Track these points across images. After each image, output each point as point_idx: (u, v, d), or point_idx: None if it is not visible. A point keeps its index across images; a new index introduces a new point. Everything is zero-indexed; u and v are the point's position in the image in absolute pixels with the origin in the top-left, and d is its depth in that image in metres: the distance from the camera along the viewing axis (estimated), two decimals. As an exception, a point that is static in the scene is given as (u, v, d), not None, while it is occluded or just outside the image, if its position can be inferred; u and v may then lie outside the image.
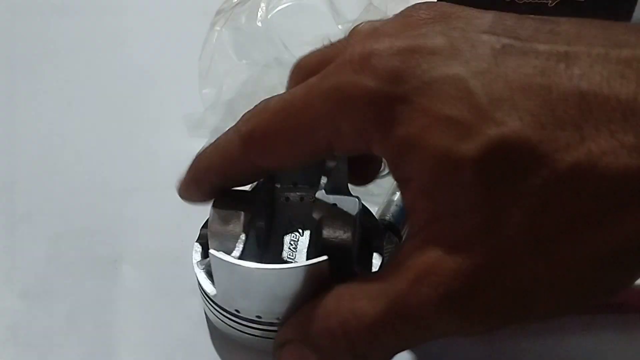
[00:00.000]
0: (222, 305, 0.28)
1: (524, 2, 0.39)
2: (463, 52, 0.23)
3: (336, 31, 0.40)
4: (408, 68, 0.24)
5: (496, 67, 0.23)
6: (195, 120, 0.43)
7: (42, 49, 0.55)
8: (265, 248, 0.31)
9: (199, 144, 0.42)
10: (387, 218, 0.33)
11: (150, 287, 0.33)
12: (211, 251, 0.26)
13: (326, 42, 0.30)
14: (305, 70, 0.29)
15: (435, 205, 0.23)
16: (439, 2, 0.26)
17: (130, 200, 0.39)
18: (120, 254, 0.35)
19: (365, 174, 0.31)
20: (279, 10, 0.41)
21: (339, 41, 0.28)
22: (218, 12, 0.42)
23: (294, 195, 0.33)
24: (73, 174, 0.41)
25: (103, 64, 0.53)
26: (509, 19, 0.24)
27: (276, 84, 0.41)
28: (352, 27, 0.27)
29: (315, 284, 0.26)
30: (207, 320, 0.31)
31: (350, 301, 0.25)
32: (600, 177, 0.21)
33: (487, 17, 0.24)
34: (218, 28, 0.41)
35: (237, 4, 0.41)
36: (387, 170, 0.32)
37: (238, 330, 0.28)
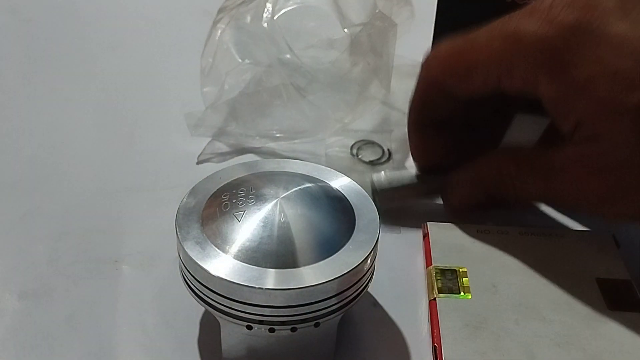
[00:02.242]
0: None
1: (524, 2, 0.40)
2: (632, 14, 0.28)
3: (342, 34, 0.40)
4: (584, 22, 0.28)
5: None
6: (196, 119, 0.43)
7: (42, 48, 0.54)
8: None
9: (199, 143, 0.42)
10: None
11: (150, 288, 0.33)
12: None
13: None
14: None
15: (596, 146, 0.29)
16: None
17: (130, 200, 0.39)
18: (120, 254, 0.35)
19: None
20: (284, 12, 0.41)
21: None
22: (220, 10, 0.42)
23: None
24: (73, 174, 0.41)
25: (103, 62, 0.53)
26: None
27: (279, 85, 0.40)
28: None
29: None
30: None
31: (517, 171, 0.33)
32: None
33: None
34: (222, 26, 0.41)
35: (241, 3, 0.41)
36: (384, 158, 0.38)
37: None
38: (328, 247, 0.27)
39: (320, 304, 0.27)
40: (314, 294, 0.26)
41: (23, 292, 0.33)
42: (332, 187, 0.30)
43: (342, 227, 0.28)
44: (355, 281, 0.27)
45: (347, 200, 0.30)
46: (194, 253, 0.27)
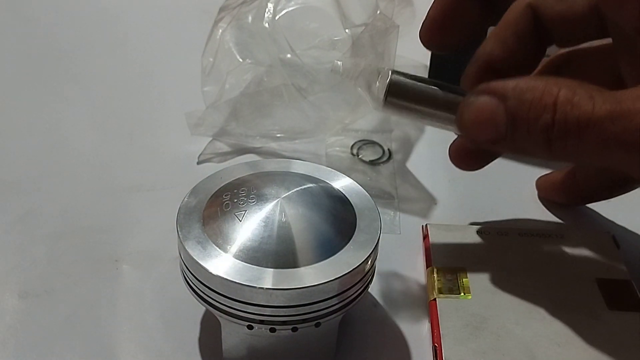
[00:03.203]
0: None
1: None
2: None
3: (343, 35, 0.40)
4: None
5: None
6: (196, 119, 0.43)
7: (42, 48, 0.54)
8: None
9: (200, 143, 0.42)
10: None
11: (151, 287, 0.33)
12: None
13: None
14: None
15: None
16: None
17: (131, 199, 0.39)
18: (121, 253, 0.35)
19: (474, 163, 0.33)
20: (286, 12, 0.41)
21: None
22: (222, 10, 0.42)
23: None
24: (73, 174, 0.41)
25: (103, 62, 0.53)
26: None
27: (280, 85, 0.40)
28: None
29: None
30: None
31: (570, 91, 0.24)
32: None
33: None
34: (223, 25, 0.41)
35: (242, 3, 0.41)
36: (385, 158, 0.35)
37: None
38: (329, 247, 0.27)
39: (321, 304, 0.27)
40: (314, 294, 0.26)
41: (23, 291, 0.33)
42: (333, 188, 0.30)
43: (343, 228, 0.28)
44: (356, 281, 0.27)
45: (348, 200, 0.30)
46: (195, 252, 0.27)
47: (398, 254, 0.35)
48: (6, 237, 0.36)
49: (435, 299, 0.31)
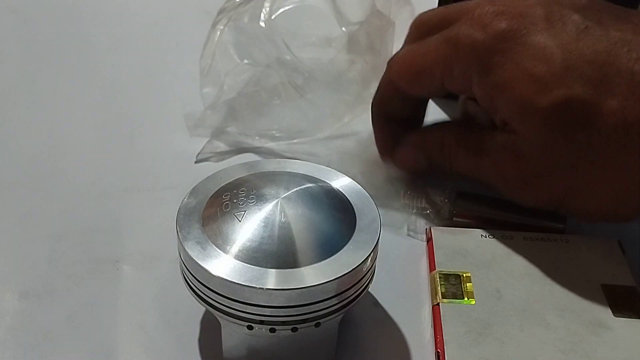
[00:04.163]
0: None
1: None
2: (555, 25, 0.31)
3: (339, 33, 0.40)
4: (513, 29, 0.32)
5: (576, 43, 0.31)
6: (195, 120, 0.43)
7: (42, 48, 0.54)
8: None
9: (199, 143, 0.42)
10: None
11: (151, 288, 0.33)
12: None
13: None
14: (427, 25, 0.37)
15: (515, 138, 0.33)
16: None
17: (131, 200, 0.39)
18: (121, 254, 0.35)
19: None
20: (282, 11, 0.41)
21: (459, 4, 0.35)
22: (220, 11, 0.42)
23: None
24: (73, 174, 0.41)
25: (103, 62, 0.53)
26: (599, 4, 0.32)
27: (277, 84, 0.40)
28: None
29: None
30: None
31: (455, 149, 0.36)
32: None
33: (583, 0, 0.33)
34: (221, 27, 0.41)
35: (239, 4, 0.41)
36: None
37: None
38: (329, 247, 0.27)
39: (320, 304, 0.27)
40: (314, 294, 0.26)
41: (24, 292, 0.33)
42: (332, 187, 0.30)
43: (343, 227, 0.28)
44: (355, 281, 0.27)
45: (348, 200, 0.30)
46: (194, 253, 0.27)
47: (400, 255, 0.36)
48: (6, 238, 0.36)
49: (438, 304, 0.31)
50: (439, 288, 0.32)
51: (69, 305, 0.32)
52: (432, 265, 0.34)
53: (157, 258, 0.35)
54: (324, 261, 0.27)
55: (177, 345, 0.31)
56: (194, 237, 0.28)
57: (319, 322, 0.27)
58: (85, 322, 0.32)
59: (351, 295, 0.28)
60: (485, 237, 0.35)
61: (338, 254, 0.27)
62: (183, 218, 0.29)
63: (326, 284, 0.26)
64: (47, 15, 0.59)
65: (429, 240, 0.35)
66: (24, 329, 0.31)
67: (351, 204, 0.30)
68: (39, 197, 0.39)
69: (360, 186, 0.31)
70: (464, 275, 0.33)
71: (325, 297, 0.27)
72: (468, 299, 0.31)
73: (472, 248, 0.34)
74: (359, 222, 0.29)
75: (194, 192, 0.30)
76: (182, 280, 0.29)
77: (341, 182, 0.31)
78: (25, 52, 0.54)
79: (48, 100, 0.48)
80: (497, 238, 0.35)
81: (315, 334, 0.28)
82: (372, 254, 0.28)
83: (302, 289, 0.26)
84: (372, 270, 0.29)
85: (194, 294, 0.28)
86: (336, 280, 0.26)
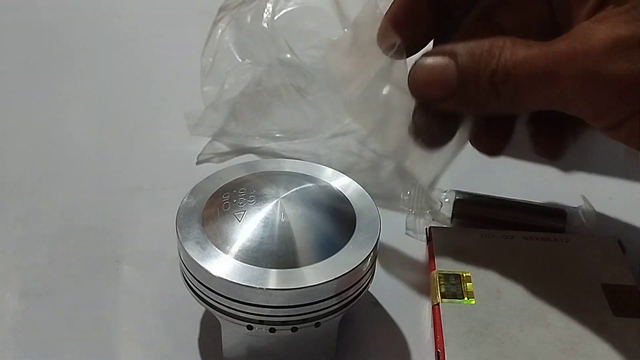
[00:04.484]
0: None
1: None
2: None
3: (342, 34, 0.40)
4: None
5: None
6: (196, 119, 0.43)
7: (43, 48, 0.54)
8: None
9: (199, 143, 0.42)
10: None
11: (151, 288, 0.33)
12: None
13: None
14: None
15: None
16: None
17: (131, 200, 0.39)
18: (121, 254, 0.35)
19: (554, 148, 0.33)
20: (285, 12, 0.41)
21: None
22: (221, 10, 0.42)
23: None
24: (73, 174, 0.41)
25: (103, 62, 0.53)
26: None
27: (279, 85, 0.40)
28: None
29: None
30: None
31: (512, 43, 0.27)
32: None
33: None
34: (222, 26, 0.41)
35: (242, 3, 0.41)
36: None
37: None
38: (328, 247, 0.27)
39: (320, 304, 0.27)
40: (314, 293, 0.26)
41: (24, 292, 0.33)
42: (332, 187, 0.30)
43: (343, 227, 0.28)
44: (355, 281, 0.27)
45: (348, 200, 0.30)
46: (194, 253, 0.27)
47: (401, 255, 0.36)
48: (7, 238, 0.36)
49: (438, 304, 0.31)
50: (439, 288, 0.32)
51: (69, 305, 0.32)
52: (432, 265, 0.34)
53: (157, 258, 0.35)
54: (324, 261, 0.27)
55: (177, 345, 0.31)
56: (193, 237, 0.28)
57: (319, 322, 0.27)
58: (85, 322, 0.32)
59: (351, 295, 0.28)
60: (486, 237, 0.35)
61: (338, 253, 0.27)
62: (183, 218, 0.29)
63: (326, 284, 0.26)
64: (47, 15, 0.59)
65: (429, 240, 0.35)
66: (24, 329, 0.31)
67: (351, 204, 0.30)
68: (39, 197, 0.39)
69: (360, 186, 0.31)
70: (464, 275, 0.33)
71: (325, 297, 0.27)
72: (468, 299, 0.31)
73: (472, 248, 0.34)
74: (359, 222, 0.29)
75: (194, 192, 0.30)
76: (182, 280, 0.29)
77: (341, 182, 0.31)
78: (25, 52, 0.54)
79: (48, 100, 0.48)
80: (497, 238, 0.35)
81: (315, 334, 0.28)
82: (372, 254, 0.28)
83: (302, 289, 0.26)
84: (372, 270, 0.29)
85: (194, 294, 0.28)
86: (336, 280, 0.26)
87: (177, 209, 0.29)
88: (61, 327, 0.31)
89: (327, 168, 0.32)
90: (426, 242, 0.36)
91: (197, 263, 0.26)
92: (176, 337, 0.31)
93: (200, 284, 0.27)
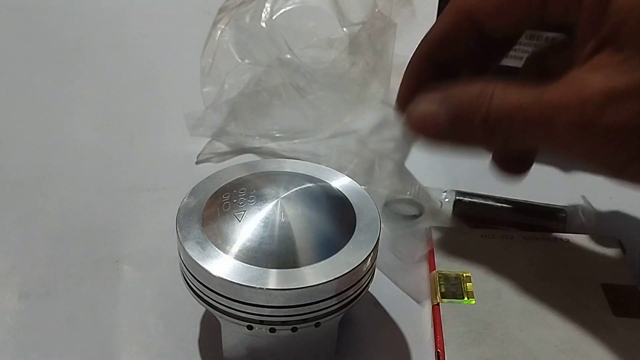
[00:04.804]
0: None
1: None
2: None
3: (341, 34, 0.40)
4: None
5: None
6: (196, 119, 0.43)
7: (43, 48, 0.54)
8: None
9: (199, 143, 0.42)
10: None
11: (151, 288, 0.33)
12: None
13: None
14: None
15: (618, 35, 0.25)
16: None
17: (131, 200, 0.39)
18: (121, 254, 0.35)
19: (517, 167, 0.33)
20: (283, 11, 0.41)
21: None
22: (221, 11, 0.42)
23: None
24: (73, 174, 0.41)
25: (103, 62, 0.53)
26: None
27: (278, 85, 0.40)
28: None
29: None
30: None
31: (503, 89, 0.27)
32: None
33: None
34: (222, 26, 0.41)
35: (241, 3, 0.41)
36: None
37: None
38: (329, 247, 0.27)
39: (320, 304, 0.27)
40: (314, 293, 0.26)
41: (24, 292, 0.33)
42: (332, 187, 0.30)
43: (343, 227, 0.28)
44: (355, 281, 0.27)
45: (348, 200, 0.30)
46: (194, 253, 0.27)
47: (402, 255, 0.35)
48: (7, 238, 0.36)
49: (438, 304, 0.31)
50: (439, 288, 0.32)
51: (69, 305, 0.32)
52: (432, 265, 0.34)
53: (157, 258, 0.35)
54: (324, 261, 0.27)
55: (177, 345, 0.31)
56: (194, 237, 0.28)
57: (319, 322, 0.27)
58: (85, 322, 0.32)
59: (351, 295, 0.28)
60: (485, 237, 0.35)
61: (338, 253, 0.27)
62: (183, 218, 0.29)
63: (326, 284, 0.26)
64: (47, 15, 0.59)
65: (429, 240, 0.35)
66: (24, 329, 0.31)
67: (351, 204, 0.30)
68: (39, 197, 0.39)
69: (360, 186, 0.31)
70: (464, 275, 0.33)
71: (325, 297, 0.27)
72: (468, 299, 0.31)
73: (472, 248, 0.34)
74: (359, 222, 0.29)
75: (194, 192, 0.30)
76: (182, 280, 0.29)
77: (341, 182, 0.31)
78: (25, 52, 0.54)
79: (48, 100, 0.48)
80: (497, 237, 0.35)
81: (315, 333, 0.28)
82: (372, 254, 0.28)
83: (302, 289, 0.26)
84: (372, 270, 0.29)
85: (194, 294, 0.28)
86: (336, 280, 0.26)
87: (177, 209, 0.29)
88: (61, 327, 0.31)
89: (327, 168, 0.32)
90: (426, 242, 0.36)
91: (197, 263, 0.26)
92: (176, 337, 0.31)
93: (200, 284, 0.27)
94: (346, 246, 0.28)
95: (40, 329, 0.31)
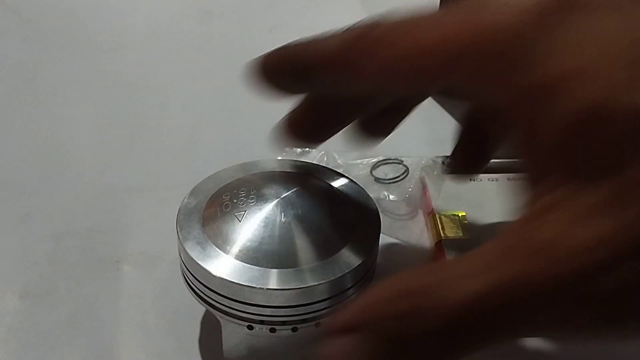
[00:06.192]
0: None
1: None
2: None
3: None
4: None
5: None
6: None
7: (43, 48, 0.54)
8: None
9: (199, 143, 0.42)
10: None
11: (152, 288, 0.33)
12: None
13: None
14: None
15: (569, 166, 0.19)
16: None
17: (132, 200, 0.39)
18: (122, 254, 0.35)
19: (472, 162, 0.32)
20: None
21: None
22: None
23: None
24: (74, 174, 0.41)
25: (103, 62, 0.53)
26: None
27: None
28: None
29: None
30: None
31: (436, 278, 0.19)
32: None
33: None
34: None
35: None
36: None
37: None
38: (329, 247, 0.27)
39: (321, 303, 0.27)
40: (314, 294, 0.26)
41: (24, 292, 0.33)
42: (333, 187, 0.30)
43: (343, 227, 0.28)
44: (356, 281, 0.27)
45: (348, 200, 0.30)
46: (194, 253, 0.27)
47: (402, 255, 0.36)
48: (7, 237, 0.36)
49: (441, 240, 0.33)
50: (441, 226, 0.34)
51: (69, 305, 0.32)
52: (429, 210, 0.36)
53: (157, 258, 0.35)
54: (325, 261, 0.27)
55: (177, 345, 0.31)
56: (194, 237, 0.28)
57: (319, 322, 0.27)
58: (85, 322, 0.32)
59: (351, 295, 0.28)
60: (473, 180, 0.37)
61: (338, 253, 0.27)
62: (183, 218, 0.29)
63: (326, 284, 0.26)
64: (48, 15, 0.58)
65: (424, 187, 0.37)
66: (24, 329, 0.31)
67: (351, 204, 0.30)
68: (39, 197, 0.39)
69: (360, 186, 0.31)
70: (460, 215, 0.35)
71: (326, 297, 0.27)
72: (467, 235, 0.34)
73: (463, 191, 0.36)
74: (359, 222, 0.29)
75: (194, 192, 0.30)
76: (182, 281, 0.29)
77: (341, 182, 0.31)
78: (25, 52, 0.54)
79: (48, 100, 0.48)
80: (484, 181, 0.37)
81: (315, 333, 0.28)
82: (372, 253, 0.28)
83: (302, 289, 0.26)
84: (372, 269, 0.29)
85: (194, 294, 0.28)
86: (336, 280, 0.26)
87: (178, 209, 0.29)
88: (61, 327, 0.31)
89: (328, 168, 0.32)
90: (421, 189, 0.38)
91: (197, 263, 0.26)
92: (176, 337, 0.31)
93: (200, 284, 0.27)
94: (347, 246, 0.28)
95: (40, 329, 0.31)
